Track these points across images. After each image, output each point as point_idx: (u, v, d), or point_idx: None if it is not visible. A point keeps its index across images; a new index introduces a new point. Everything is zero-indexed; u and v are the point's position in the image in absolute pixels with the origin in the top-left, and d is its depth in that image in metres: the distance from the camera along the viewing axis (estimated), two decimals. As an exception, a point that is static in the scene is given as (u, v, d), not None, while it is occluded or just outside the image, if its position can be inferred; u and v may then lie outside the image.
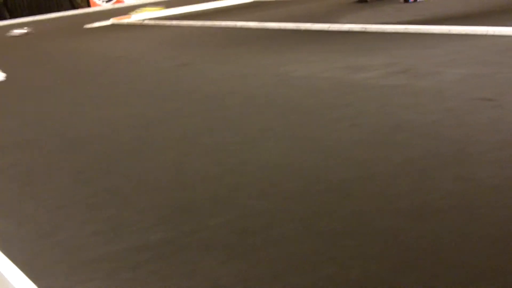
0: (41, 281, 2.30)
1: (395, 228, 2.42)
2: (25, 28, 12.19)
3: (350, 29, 7.46)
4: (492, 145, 3.17)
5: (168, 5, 14.23)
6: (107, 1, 17.69)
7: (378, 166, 3.10)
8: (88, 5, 17.44)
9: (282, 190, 2.95)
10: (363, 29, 7.29)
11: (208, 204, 2.89)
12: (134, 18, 12.80)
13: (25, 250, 2.65)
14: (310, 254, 2.29)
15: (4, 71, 6.85)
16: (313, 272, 2.16)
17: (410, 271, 2.09)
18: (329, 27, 7.81)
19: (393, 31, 6.94)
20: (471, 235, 2.29)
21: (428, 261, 2.13)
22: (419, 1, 9.19)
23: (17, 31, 12.09)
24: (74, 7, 17.37)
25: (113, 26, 12.23)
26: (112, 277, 2.30)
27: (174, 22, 11.09)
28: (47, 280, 2.32)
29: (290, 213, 2.67)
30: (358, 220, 2.53)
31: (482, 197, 2.60)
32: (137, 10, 13.47)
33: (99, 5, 17.47)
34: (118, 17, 13.09)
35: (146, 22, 11.97)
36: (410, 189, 2.77)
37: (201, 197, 2.99)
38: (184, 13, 12.60)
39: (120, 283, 2.25)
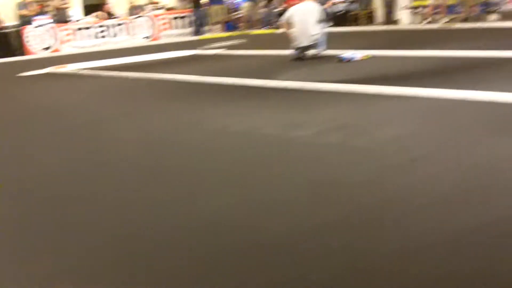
0: None
1: (327, 283, 2.40)
2: None
3: (287, 87, 7.52)
4: (420, 204, 3.21)
5: (107, 55, 14.18)
6: (44, 49, 17.49)
7: (311, 222, 3.09)
8: (24, 53, 17.19)
9: (215, 246, 2.90)
10: (300, 87, 7.36)
11: (133, 262, 2.81)
12: (71, 67, 12.68)
13: None
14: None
15: None
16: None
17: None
18: (267, 83, 7.87)
19: (329, 89, 7.03)
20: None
21: None
22: (354, 61, 9.37)
23: None
24: (11, 54, 17.10)
25: (49, 74, 12.06)
26: None
27: (113, 73, 11.01)
28: None
29: (222, 271, 2.62)
30: (291, 275, 2.50)
31: (410, 257, 2.60)
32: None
33: (34, 52, 17.25)
34: (55, 66, 12.95)
35: (83, 71, 11.86)
36: (344, 244, 2.76)
37: (125, 253, 2.90)
38: (123, 64, 12.54)
39: None
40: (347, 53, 9.62)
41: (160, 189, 3.90)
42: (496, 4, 14.49)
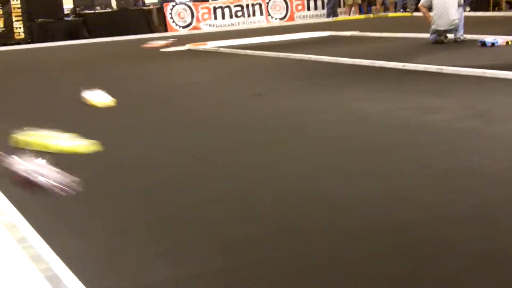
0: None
1: (460, 274, 2.38)
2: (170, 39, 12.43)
3: (426, 69, 7.39)
4: None
5: (243, 35, 14.42)
6: (184, 27, 18.02)
7: (445, 210, 3.06)
8: (166, 30, 17.79)
9: (345, 229, 2.93)
10: (439, 70, 7.21)
11: (273, 237, 2.90)
12: (210, 45, 13.01)
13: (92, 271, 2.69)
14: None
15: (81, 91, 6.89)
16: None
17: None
18: (404, 66, 7.76)
19: (469, 74, 6.84)
20: None
21: None
22: (497, 46, 9.04)
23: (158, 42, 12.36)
24: (152, 30, 17.75)
25: (188, 51, 12.44)
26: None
27: (249, 52, 11.20)
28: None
29: (352, 252, 2.65)
30: (421, 264, 2.50)
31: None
32: None
33: (176, 30, 17.82)
34: (195, 43, 13.33)
35: (221, 50, 12.14)
36: (476, 236, 2.72)
37: (265, 230, 2.99)
38: (259, 43, 12.71)
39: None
40: (488, 38, 9.29)
41: (290, 168, 3.97)
42: None
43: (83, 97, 6.51)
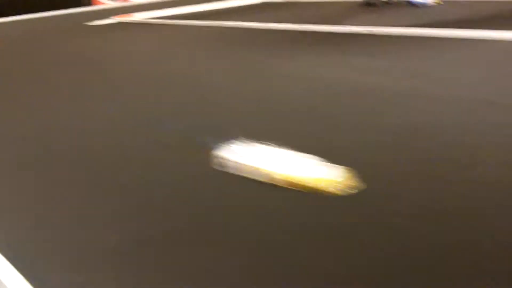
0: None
1: (398, 228, 2.37)
2: None
3: (358, 32, 7.40)
4: (502, 148, 3.13)
5: (173, 4, 14.19)
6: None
7: (399, 168, 3.04)
8: (91, 3, 17.37)
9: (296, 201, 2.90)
10: (371, 32, 7.23)
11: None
12: (138, 16, 12.76)
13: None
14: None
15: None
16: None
17: (409, 274, 2.02)
18: (337, 29, 7.76)
19: (402, 34, 6.88)
20: (477, 235, 2.24)
21: (432, 264, 2.07)
22: (429, 6, 9.13)
23: None
24: (77, 4, 17.32)
25: (116, 24, 12.15)
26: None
27: (180, 22, 11.03)
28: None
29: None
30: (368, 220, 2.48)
31: (492, 199, 2.55)
32: None
33: (102, 3, 17.43)
34: (120, 15, 13.05)
35: (151, 21, 11.92)
36: (422, 194, 2.72)
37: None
38: (190, 13, 12.54)
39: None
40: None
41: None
42: None
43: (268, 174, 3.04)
